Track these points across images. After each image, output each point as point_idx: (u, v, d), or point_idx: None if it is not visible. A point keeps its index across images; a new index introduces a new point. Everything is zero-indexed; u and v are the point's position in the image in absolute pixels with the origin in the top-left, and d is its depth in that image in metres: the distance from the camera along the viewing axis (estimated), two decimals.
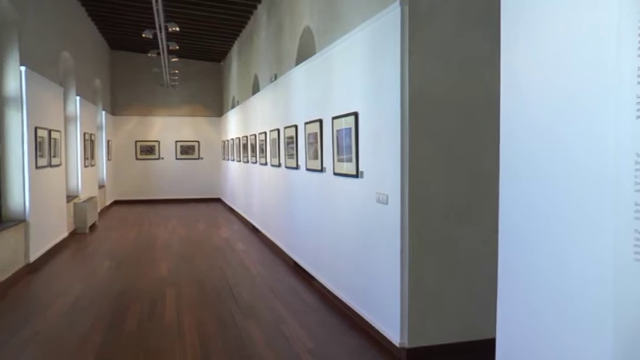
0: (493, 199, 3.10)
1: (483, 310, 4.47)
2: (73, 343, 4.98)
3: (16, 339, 5.10)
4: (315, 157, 6.73)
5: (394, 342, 4.56)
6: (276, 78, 9.53)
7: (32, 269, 7.89)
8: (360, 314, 5.30)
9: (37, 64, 8.47)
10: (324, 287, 6.46)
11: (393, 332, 4.58)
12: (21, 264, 7.60)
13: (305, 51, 7.94)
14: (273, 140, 9.34)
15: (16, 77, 7.66)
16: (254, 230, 11.64)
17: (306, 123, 7.12)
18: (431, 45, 4.38)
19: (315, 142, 6.70)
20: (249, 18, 12.64)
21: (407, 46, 4.34)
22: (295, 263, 7.89)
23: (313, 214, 7.00)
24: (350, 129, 5.45)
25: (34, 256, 8.01)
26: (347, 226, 5.72)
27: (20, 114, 7.68)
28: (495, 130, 2.93)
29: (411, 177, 4.38)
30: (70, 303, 6.30)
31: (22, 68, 7.70)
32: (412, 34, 4.33)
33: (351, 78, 5.55)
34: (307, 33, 7.68)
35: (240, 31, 14.00)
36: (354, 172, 5.38)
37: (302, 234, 7.55)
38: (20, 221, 7.64)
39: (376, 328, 4.92)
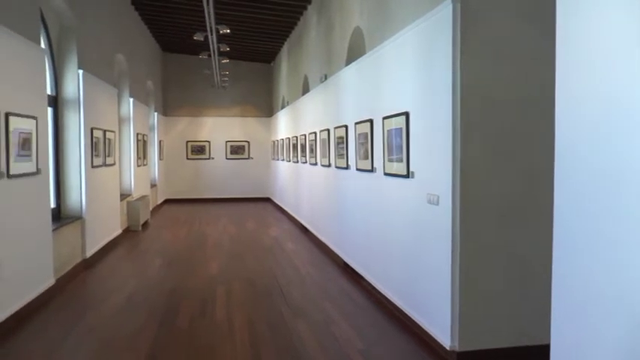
0: (547, 200, 3.03)
1: (537, 314, 4.37)
2: (127, 337, 5.12)
3: (75, 331, 5.31)
4: (366, 157, 6.71)
5: (444, 345, 4.50)
6: (326, 78, 9.54)
7: (88, 265, 8.15)
8: (410, 316, 5.26)
9: (93, 67, 8.73)
10: (374, 288, 6.43)
11: (444, 335, 4.52)
12: (78, 259, 7.86)
13: (355, 51, 7.93)
14: (323, 140, 9.36)
15: (74, 80, 7.91)
16: (303, 230, 11.69)
17: (356, 123, 7.10)
18: (483, 43, 4.30)
19: (366, 142, 6.67)
20: (299, 19, 12.70)
21: (459, 44, 4.27)
22: (345, 263, 7.88)
23: (363, 214, 6.98)
24: (400, 129, 5.41)
25: (90, 252, 8.27)
26: (397, 227, 5.68)
27: (78, 115, 7.93)
28: (549, 129, 2.86)
29: (463, 177, 4.31)
30: (124, 298, 6.47)
31: (80, 71, 7.95)
32: (464, 32, 4.26)
33: (401, 77, 5.51)
34: (357, 33, 7.66)
35: (290, 31, 14.08)
36: (405, 173, 5.34)
37: (352, 234, 7.54)
38: (77, 218, 7.90)
39: (426, 330, 4.87)
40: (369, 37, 6.95)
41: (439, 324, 4.61)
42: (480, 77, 4.30)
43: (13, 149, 5.41)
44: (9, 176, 5.32)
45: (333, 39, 9.18)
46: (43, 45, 6.94)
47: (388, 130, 5.82)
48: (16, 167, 5.47)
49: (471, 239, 4.35)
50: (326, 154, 9.10)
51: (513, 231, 4.42)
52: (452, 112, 4.33)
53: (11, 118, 5.34)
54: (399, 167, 5.53)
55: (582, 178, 2.22)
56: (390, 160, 5.79)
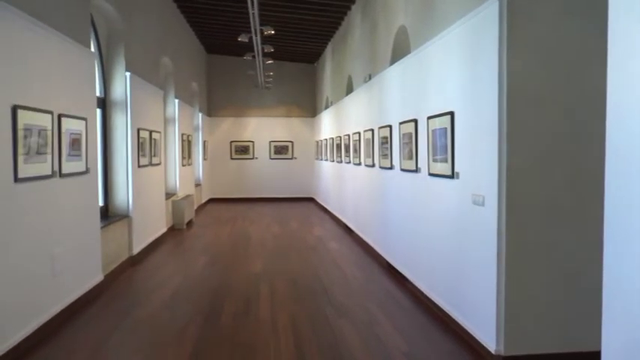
0: (597, 201, 2.94)
1: (586, 319, 4.25)
2: (173, 332, 5.23)
3: (124, 324, 5.46)
4: (410, 158, 6.65)
5: (490, 349, 4.41)
6: (370, 78, 9.51)
7: (135, 261, 8.33)
8: (455, 318, 5.18)
9: (140, 69, 8.92)
10: (418, 289, 6.37)
11: (489, 339, 4.44)
12: (125, 256, 8.05)
13: (399, 50, 7.87)
14: (367, 140, 9.32)
15: (122, 82, 8.10)
16: (347, 230, 11.68)
17: (400, 123, 7.05)
18: (530, 41, 4.21)
19: (410, 142, 6.62)
20: (342, 19, 12.69)
21: (505, 42, 4.19)
22: (388, 264, 7.84)
23: (407, 215, 6.93)
24: (445, 129, 5.35)
25: (136, 249, 8.46)
26: (441, 228, 5.61)
27: (125, 116, 8.12)
28: (598, 130, 2.77)
29: (509, 178, 4.23)
30: (169, 295, 6.59)
31: (127, 74, 8.13)
32: (510, 30, 4.18)
33: (446, 76, 5.44)
34: (402, 32, 7.60)
35: (334, 32, 14.08)
36: (450, 173, 5.27)
37: (395, 235, 7.49)
38: (124, 216, 8.08)
39: (471, 333, 4.80)
40: (414, 35, 6.89)
41: (484, 327, 4.54)
42: (527, 76, 4.21)
43: (65, 149, 5.57)
44: (61, 175, 5.48)
45: (377, 38, 9.14)
46: (92, 49, 7.13)
47: (433, 130, 5.75)
48: (67, 167, 5.63)
49: (518, 241, 4.26)
50: (370, 154, 9.07)
51: (561, 232, 4.30)
52: (498, 112, 4.25)
53: (63, 120, 5.51)
54: (443, 167, 5.46)
55: (635, 179, 2.14)
56: (435, 161, 5.73)
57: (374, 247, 8.86)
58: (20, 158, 4.60)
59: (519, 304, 4.28)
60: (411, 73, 6.74)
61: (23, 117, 4.64)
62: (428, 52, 6.03)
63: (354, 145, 10.59)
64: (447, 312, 5.38)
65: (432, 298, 5.85)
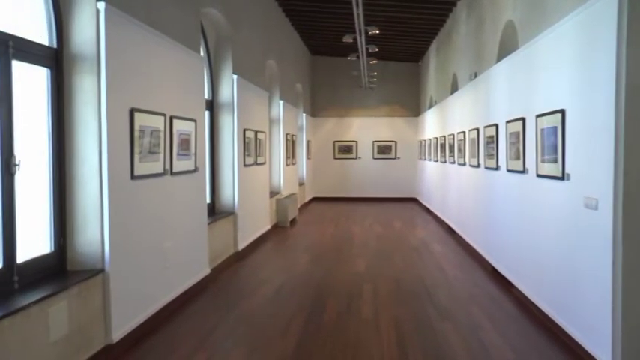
0: None
1: None
2: (277, 327, 5.36)
3: (229, 317, 5.68)
4: (517, 158, 6.40)
5: None
6: (475, 76, 9.26)
7: (239, 257, 8.62)
8: (564, 328, 4.91)
9: (246, 72, 9.21)
10: (524, 294, 6.11)
11: (603, 353, 4.15)
12: (230, 251, 8.37)
13: (507, 46, 7.60)
14: (472, 140, 9.09)
15: (229, 85, 8.41)
16: (450, 231, 11.44)
17: (507, 122, 6.81)
18: None
19: (517, 141, 6.37)
20: (447, 16, 12.45)
21: (624, 35, 3.91)
22: (493, 268, 7.59)
23: (513, 217, 6.67)
24: (555, 127, 5.09)
25: (241, 246, 8.75)
26: (550, 232, 5.34)
27: (231, 117, 8.42)
28: None
29: (627, 181, 3.94)
30: (273, 290, 6.76)
31: (234, 76, 8.43)
32: (631, 23, 3.89)
33: (557, 72, 5.17)
34: (509, 27, 7.34)
35: (439, 29, 13.84)
36: (560, 174, 5.01)
37: (501, 238, 7.23)
38: (230, 213, 8.40)
39: (582, 345, 4.52)
40: (522, 30, 6.63)
41: (597, 339, 4.27)
42: None
43: (175, 149, 5.87)
44: (172, 173, 5.78)
45: (483, 35, 8.88)
46: (202, 54, 7.45)
47: (541, 129, 5.50)
48: (177, 165, 5.94)
49: (635, 247, 3.97)
50: (475, 154, 8.83)
51: None
52: (615, 110, 3.98)
53: (174, 121, 5.81)
54: (553, 168, 5.20)
55: None
56: (543, 161, 5.47)
57: (477, 249, 8.62)
58: (136, 157, 4.91)
59: (638, 315, 3.98)
60: (518, 69, 6.48)
61: (139, 119, 4.95)
62: (537, 46, 5.78)
63: (459, 145, 10.36)
64: (556, 321, 5.11)
65: (539, 305, 5.58)
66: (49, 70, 4.29)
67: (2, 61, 3.70)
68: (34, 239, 4.20)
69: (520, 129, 6.24)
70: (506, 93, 7.07)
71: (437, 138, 13.61)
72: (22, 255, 3.91)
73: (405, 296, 6.53)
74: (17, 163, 3.77)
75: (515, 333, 5.20)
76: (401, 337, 5.03)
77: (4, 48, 3.71)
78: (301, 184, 16.30)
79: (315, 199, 18.65)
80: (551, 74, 5.36)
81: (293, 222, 13.11)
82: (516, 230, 6.53)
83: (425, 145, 16.23)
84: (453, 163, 11.06)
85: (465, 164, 9.78)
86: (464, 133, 9.80)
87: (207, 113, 7.74)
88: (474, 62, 9.65)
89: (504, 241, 7.04)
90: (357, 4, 9.40)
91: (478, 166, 8.61)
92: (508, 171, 6.82)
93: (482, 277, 7.49)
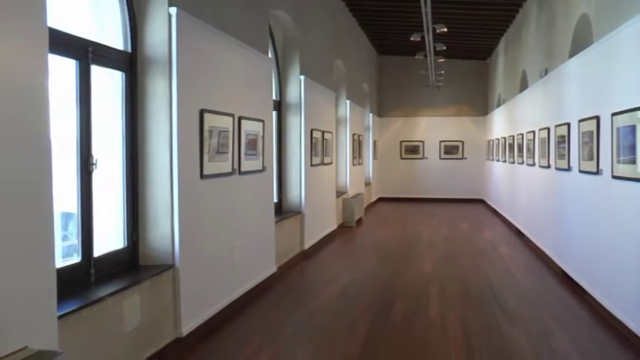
0: None
1: None
2: (344, 325, 5.39)
3: (296, 315, 5.76)
4: (590, 158, 6.17)
5: None
6: (546, 73, 8.98)
7: (306, 256, 8.69)
8: None
9: (313, 72, 9.28)
10: (597, 302, 5.85)
11: None
12: (297, 250, 8.46)
13: (580, 41, 7.32)
14: (542, 140, 8.82)
15: (297, 85, 8.50)
16: (518, 234, 11.14)
17: (580, 120, 6.57)
18: None
19: (590, 141, 6.14)
20: (517, 11, 12.14)
21: None
22: (563, 272, 7.33)
23: (586, 220, 6.42)
24: (634, 126, 4.87)
25: (307, 244, 8.82)
26: (628, 237, 5.08)
27: (299, 118, 8.51)
28: None
29: None
30: (339, 289, 6.79)
31: (302, 77, 8.51)
32: None
33: (636, 68, 4.95)
34: (583, 20, 7.07)
35: (508, 26, 13.51)
36: (638, 176, 4.79)
37: (572, 241, 6.97)
38: (297, 213, 8.48)
39: None
40: (597, 24, 6.38)
41: None
42: None
43: (243, 149, 5.99)
44: (240, 173, 5.90)
45: (555, 30, 8.60)
46: (270, 55, 7.57)
47: (617, 128, 5.28)
48: (245, 165, 6.06)
49: None
50: (545, 154, 8.56)
51: None
52: None
53: (243, 122, 5.93)
54: (630, 170, 4.97)
55: None
56: (619, 162, 5.24)
57: (547, 253, 8.34)
58: (205, 157, 5.04)
59: None
60: (593, 65, 6.24)
61: (208, 120, 5.08)
62: (614, 41, 5.54)
63: (528, 145, 10.08)
64: (635, 332, 4.86)
65: (615, 314, 5.30)
66: (123, 74, 4.47)
67: (82, 65, 3.89)
68: (108, 235, 4.39)
69: (594, 128, 6.01)
70: (579, 90, 6.83)
71: (505, 138, 13.29)
72: (98, 250, 4.10)
73: (472, 299, 6.42)
74: (94, 162, 3.96)
75: (588, 342, 5.01)
76: (468, 341, 4.94)
77: (84, 53, 3.89)
78: (367, 184, 16.26)
79: (381, 199, 18.56)
80: (629, 69, 5.12)
81: (359, 222, 13.10)
82: (590, 234, 6.27)
83: (492, 145, 15.88)
84: (522, 163, 10.77)
85: (534, 164, 9.51)
86: (533, 132, 9.52)
87: (274, 114, 7.85)
88: (544, 59, 9.36)
89: (576, 244, 6.79)
90: (425, 3, 9.30)
91: (548, 166, 8.35)
92: (580, 172, 6.58)
93: (553, 281, 7.26)
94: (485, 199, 17.64)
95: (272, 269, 7.04)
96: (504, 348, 4.79)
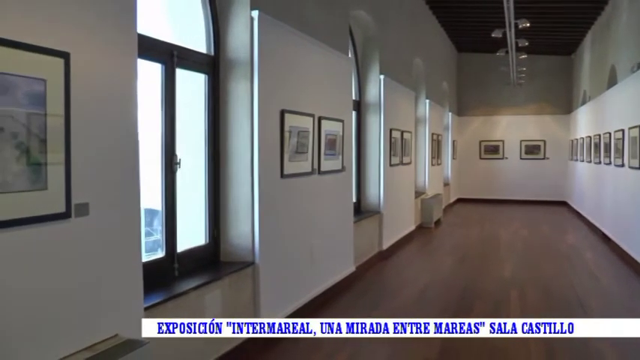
0: None
1: None
2: None
3: (374, 315, 5.69)
4: None
5: None
6: (638, 68, 8.54)
7: (384, 256, 8.67)
8: None
9: (393, 72, 9.23)
10: None
11: None
12: (375, 250, 8.46)
13: None
14: (632, 139, 8.38)
15: (376, 85, 8.50)
16: (604, 238, 10.64)
17: None
18: None
19: None
20: (606, 3, 11.56)
21: None
22: None
23: None
24: None
25: (386, 245, 8.80)
26: None
27: (378, 117, 8.50)
28: None
29: None
30: (417, 291, 6.74)
31: (381, 77, 8.50)
32: None
33: None
34: None
35: (595, 19, 12.90)
36: None
37: None
38: (375, 212, 8.48)
39: None
40: None
41: None
42: None
43: (322, 149, 6.05)
44: (319, 172, 5.97)
45: None
46: (350, 55, 7.59)
47: None
48: (325, 165, 6.12)
49: None
50: (636, 154, 8.13)
51: None
52: None
53: (322, 122, 5.99)
54: None
55: None
56: None
57: (637, 259, 7.93)
58: (285, 156, 5.13)
59: None
60: None
61: (289, 120, 5.17)
62: None
63: (616, 144, 9.60)
64: None
65: None
66: (206, 76, 4.61)
67: (167, 69, 4.05)
68: (191, 231, 4.54)
69: None
70: None
71: (590, 137, 12.71)
72: (181, 245, 4.25)
73: (554, 305, 6.20)
74: (178, 161, 4.11)
75: None
76: (550, 349, 4.76)
77: (170, 57, 4.05)
78: (446, 184, 16.03)
79: (459, 200, 18.22)
80: None
81: (438, 223, 12.92)
82: None
83: (576, 145, 15.23)
84: (609, 163, 10.27)
85: (623, 165, 9.05)
86: (622, 131, 9.06)
87: (354, 113, 7.87)
88: (636, 53, 8.89)
89: None
90: None
91: (639, 167, 7.94)
92: None
93: None
94: (569, 201, 16.95)
95: (350, 269, 7.06)
96: (589, 357, 4.59)
